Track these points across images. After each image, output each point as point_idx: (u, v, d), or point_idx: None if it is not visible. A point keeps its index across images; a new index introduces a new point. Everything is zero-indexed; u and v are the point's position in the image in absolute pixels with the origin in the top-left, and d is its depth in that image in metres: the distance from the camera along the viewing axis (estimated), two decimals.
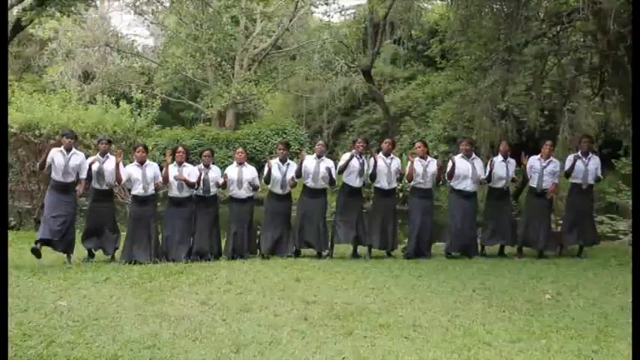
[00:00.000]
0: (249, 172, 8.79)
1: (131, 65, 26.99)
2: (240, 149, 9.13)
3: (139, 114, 13.05)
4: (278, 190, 8.80)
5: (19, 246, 9.44)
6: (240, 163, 8.77)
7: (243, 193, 8.71)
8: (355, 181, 8.78)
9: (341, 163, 8.79)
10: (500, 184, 9.00)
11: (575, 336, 4.96)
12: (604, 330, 5.14)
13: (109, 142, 8.80)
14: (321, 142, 9.28)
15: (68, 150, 8.17)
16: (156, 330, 5.05)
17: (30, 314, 5.45)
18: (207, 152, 8.87)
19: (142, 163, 8.43)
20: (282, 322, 5.36)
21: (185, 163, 8.55)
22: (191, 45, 25.34)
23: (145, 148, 8.72)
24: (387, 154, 8.97)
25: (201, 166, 8.62)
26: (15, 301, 5.86)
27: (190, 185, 8.44)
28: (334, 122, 27.41)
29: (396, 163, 8.94)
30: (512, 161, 9.08)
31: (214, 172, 8.68)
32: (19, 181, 11.93)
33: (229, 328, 5.16)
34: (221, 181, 8.61)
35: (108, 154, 8.48)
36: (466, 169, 8.86)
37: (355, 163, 8.74)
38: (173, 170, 8.41)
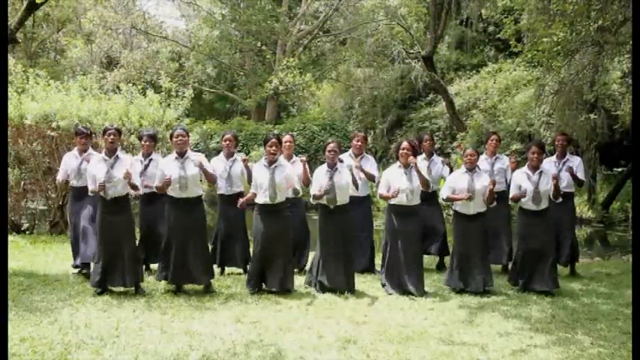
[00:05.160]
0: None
1: (159, 50, 27.37)
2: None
3: (169, 105, 13.20)
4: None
5: (31, 252, 9.69)
6: (272, 161, 7.39)
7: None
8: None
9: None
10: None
11: None
12: None
13: (119, 131, 7.68)
14: (332, 144, 7.64)
15: (83, 151, 8.23)
16: (184, 350, 5.09)
17: (42, 329, 5.57)
18: (228, 136, 8.46)
19: (146, 156, 8.22)
20: (327, 344, 5.34)
21: (189, 153, 7.34)
22: (227, 27, 25.56)
23: (153, 137, 8.33)
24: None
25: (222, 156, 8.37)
26: (25, 314, 6.00)
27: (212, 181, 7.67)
28: (389, 116, 27.28)
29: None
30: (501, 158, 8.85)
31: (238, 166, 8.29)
32: (33, 180, 12.19)
33: (266, 350, 5.15)
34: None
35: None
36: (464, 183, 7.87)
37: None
38: (174, 164, 7.20)
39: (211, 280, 7.42)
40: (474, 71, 25.22)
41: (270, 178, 7.20)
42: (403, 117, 26.73)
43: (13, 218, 11.89)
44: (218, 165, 8.27)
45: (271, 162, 7.32)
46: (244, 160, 8.03)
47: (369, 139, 25.69)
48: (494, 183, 7.51)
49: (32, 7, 12.60)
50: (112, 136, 7.12)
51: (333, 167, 7.43)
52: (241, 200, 7.44)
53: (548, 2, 10.99)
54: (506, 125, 20.01)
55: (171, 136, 7.38)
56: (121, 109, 12.00)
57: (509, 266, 8.77)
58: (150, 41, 27.38)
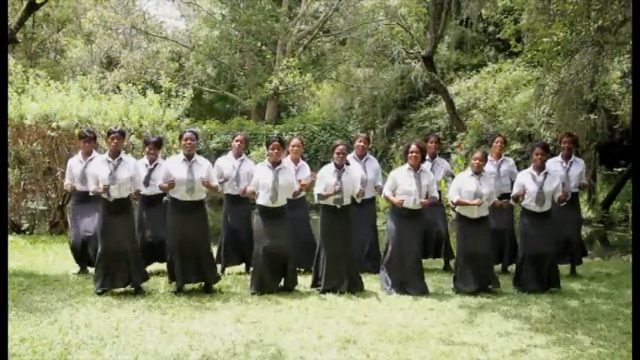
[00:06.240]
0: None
1: (159, 50, 27.35)
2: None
3: (169, 105, 13.20)
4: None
5: (31, 252, 9.69)
6: (275, 163, 7.36)
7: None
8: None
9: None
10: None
11: None
12: None
13: (122, 134, 7.54)
14: (340, 146, 7.55)
15: (87, 154, 8.24)
16: (184, 350, 5.10)
17: (42, 329, 5.57)
18: (240, 137, 8.55)
19: (151, 162, 8.12)
20: (327, 344, 5.34)
21: (196, 157, 7.31)
22: (227, 27, 25.53)
23: (158, 145, 8.25)
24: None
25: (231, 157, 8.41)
26: (25, 314, 6.01)
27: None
28: (389, 116, 27.23)
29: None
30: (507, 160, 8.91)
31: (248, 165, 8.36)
32: (33, 180, 12.19)
33: (266, 350, 5.16)
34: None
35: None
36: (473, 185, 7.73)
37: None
38: (182, 166, 7.16)
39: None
40: (473, 71, 25.17)
41: (273, 180, 7.22)
42: (403, 117, 26.65)
43: (13, 218, 11.88)
44: (226, 165, 8.29)
45: (275, 164, 7.32)
46: (242, 192, 7.73)
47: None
48: (502, 205, 7.71)
49: (32, 7, 12.60)
50: (115, 140, 7.12)
51: (340, 168, 7.44)
52: (242, 189, 7.54)
53: (548, 2, 10.98)
54: (506, 125, 19.97)
55: (180, 138, 7.40)
56: (121, 109, 11.99)
57: (509, 267, 8.80)
58: (150, 41, 27.34)
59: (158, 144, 8.30)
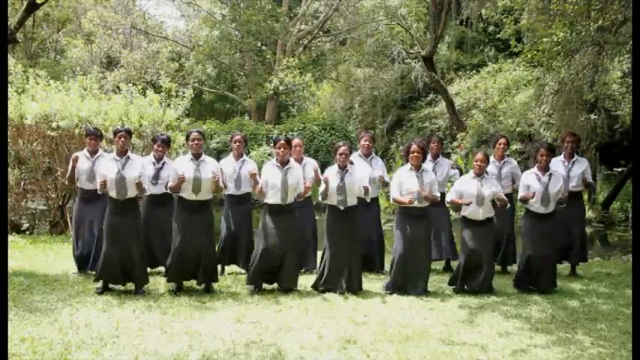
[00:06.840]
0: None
1: (159, 50, 27.35)
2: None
3: (169, 105, 13.20)
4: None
5: (31, 252, 9.69)
6: (283, 162, 7.38)
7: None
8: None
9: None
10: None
11: None
12: None
13: (129, 133, 7.65)
14: (343, 147, 7.51)
15: (94, 152, 8.24)
16: (184, 350, 5.10)
17: (42, 329, 5.56)
18: (238, 137, 8.43)
19: (159, 160, 8.12)
20: (327, 344, 5.34)
21: (204, 156, 7.35)
22: (227, 27, 25.54)
23: (167, 143, 8.24)
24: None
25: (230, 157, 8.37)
26: (25, 314, 6.00)
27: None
28: (389, 116, 27.26)
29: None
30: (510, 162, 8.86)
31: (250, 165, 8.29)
32: (33, 180, 12.19)
33: (266, 350, 5.15)
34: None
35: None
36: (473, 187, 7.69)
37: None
38: (189, 165, 7.16)
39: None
40: (473, 71, 25.21)
41: (282, 179, 7.22)
42: (403, 117, 26.70)
43: (13, 218, 11.88)
44: (227, 166, 8.24)
45: (283, 163, 7.33)
46: (253, 175, 7.63)
47: None
48: (505, 204, 7.67)
49: (32, 7, 12.60)
50: (122, 138, 7.15)
51: (343, 169, 7.42)
52: (254, 176, 7.52)
53: (548, 2, 10.97)
54: (506, 125, 19.99)
55: (187, 138, 7.41)
56: (121, 109, 11.97)
57: (509, 268, 8.81)
58: (150, 41, 27.32)
59: (167, 142, 8.29)
